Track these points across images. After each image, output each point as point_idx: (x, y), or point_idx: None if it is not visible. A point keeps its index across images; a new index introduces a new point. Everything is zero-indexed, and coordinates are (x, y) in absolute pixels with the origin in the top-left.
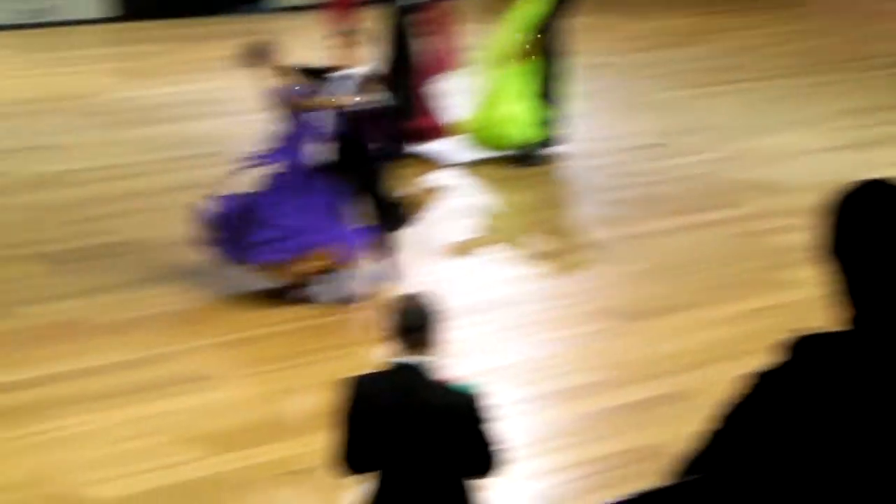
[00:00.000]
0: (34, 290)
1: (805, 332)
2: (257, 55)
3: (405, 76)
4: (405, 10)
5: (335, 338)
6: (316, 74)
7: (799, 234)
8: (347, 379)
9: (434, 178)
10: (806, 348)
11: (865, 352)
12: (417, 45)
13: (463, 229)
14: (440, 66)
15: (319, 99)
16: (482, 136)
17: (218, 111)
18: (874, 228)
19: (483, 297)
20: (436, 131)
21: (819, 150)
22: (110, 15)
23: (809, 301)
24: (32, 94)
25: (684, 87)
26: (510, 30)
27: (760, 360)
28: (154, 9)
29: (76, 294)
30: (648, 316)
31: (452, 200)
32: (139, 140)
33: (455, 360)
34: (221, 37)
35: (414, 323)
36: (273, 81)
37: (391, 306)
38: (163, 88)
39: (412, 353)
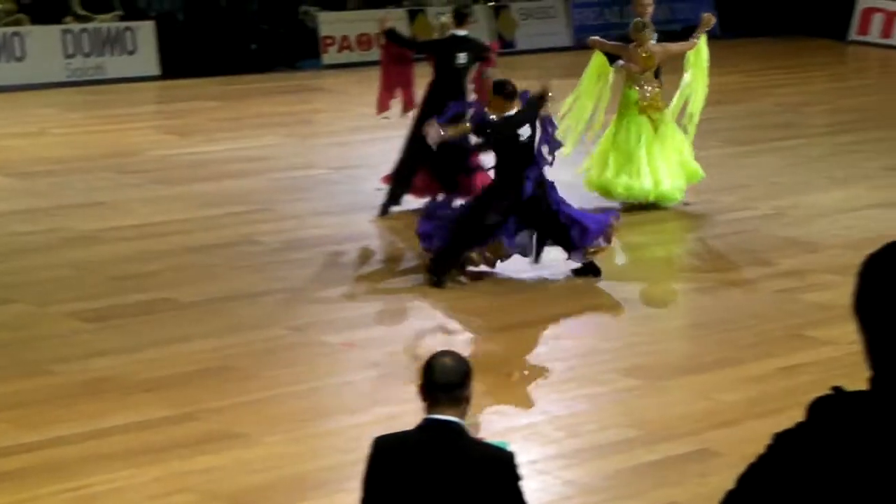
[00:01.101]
0: (73, 346)
1: (824, 393)
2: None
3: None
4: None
5: (367, 399)
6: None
7: (835, 292)
8: (373, 440)
9: None
10: (822, 409)
11: (878, 415)
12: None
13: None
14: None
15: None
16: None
17: (259, 168)
18: (892, 290)
19: (510, 356)
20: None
21: (860, 207)
22: (155, 73)
23: (844, 359)
24: (77, 151)
25: (727, 144)
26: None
27: (793, 418)
28: (195, 67)
29: (114, 351)
30: (681, 374)
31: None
32: (181, 197)
33: (486, 418)
34: (260, 94)
35: (448, 380)
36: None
37: (425, 364)
38: (204, 146)
39: (444, 412)
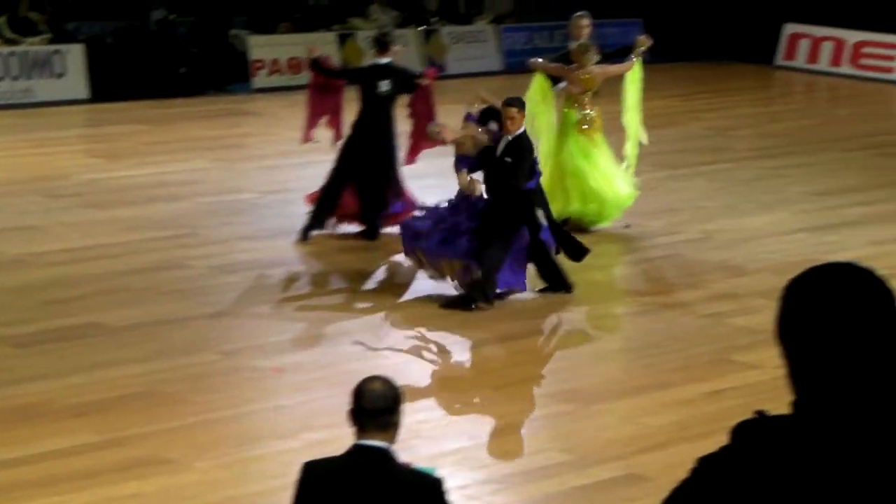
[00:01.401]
0: (1, 371)
1: (748, 417)
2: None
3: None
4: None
5: (297, 424)
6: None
7: (762, 316)
8: (302, 465)
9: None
10: (745, 433)
11: (799, 438)
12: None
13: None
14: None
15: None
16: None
17: (188, 192)
18: (814, 315)
19: (440, 380)
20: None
21: (786, 232)
22: (84, 97)
23: (771, 383)
24: (5, 175)
25: (656, 169)
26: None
27: (720, 442)
28: (125, 91)
29: (43, 376)
30: (610, 398)
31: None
32: (109, 221)
33: (415, 443)
34: (190, 118)
35: (376, 406)
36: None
37: (354, 390)
38: (133, 170)
39: (373, 437)
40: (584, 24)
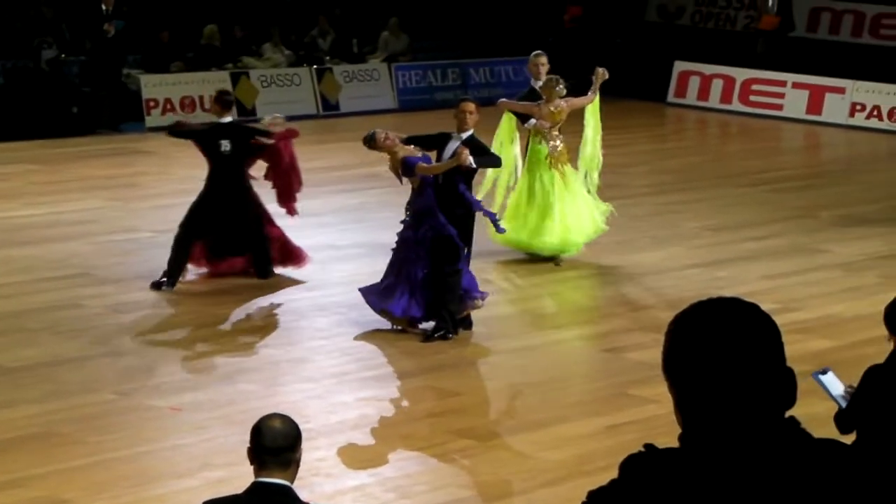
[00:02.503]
0: None
1: (636, 451)
2: (370, 141)
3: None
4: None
5: (195, 462)
6: (427, 142)
7: (656, 351)
8: None
9: None
10: (632, 466)
11: (685, 471)
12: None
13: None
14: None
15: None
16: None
17: (81, 232)
18: (697, 349)
19: (340, 418)
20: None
21: (682, 266)
22: None
23: (669, 417)
24: None
25: None
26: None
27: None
28: (16, 131)
29: None
30: (509, 433)
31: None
32: (1, 261)
33: (315, 480)
34: (83, 158)
35: (276, 443)
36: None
37: (254, 427)
38: (25, 210)
39: (274, 475)
40: (542, 62)
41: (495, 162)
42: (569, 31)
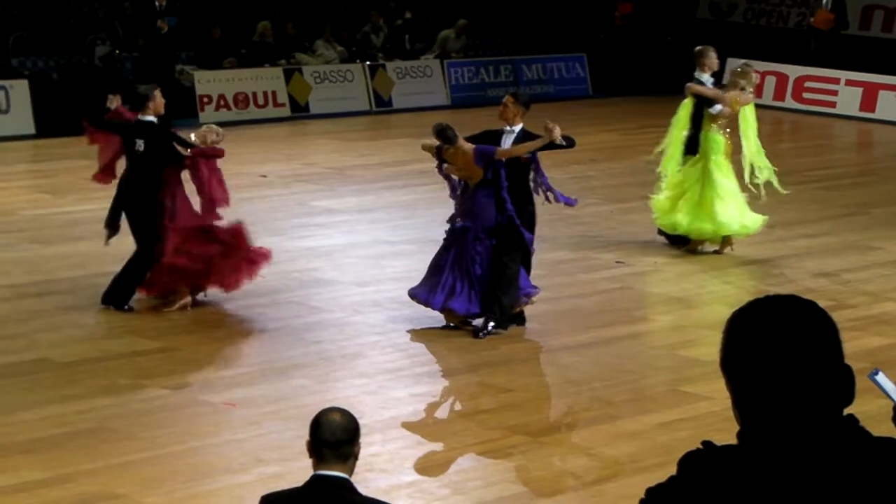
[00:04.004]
0: None
1: (695, 448)
2: (446, 131)
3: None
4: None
5: (250, 458)
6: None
7: (710, 348)
8: (261, 498)
9: None
10: (691, 464)
11: (745, 468)
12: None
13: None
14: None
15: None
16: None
17: None
18: (756, 346)
19: (394, 413)
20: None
21: (734, 264)
22: (30, 132)
23: (720, 414)
24: None
25: (604, 202)
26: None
27: (669, 473)
28: (70, 126)
29: None
30: (560, 430)
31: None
32: (55, 257)
33: (370, 475)
34: None
35: (336, 437)
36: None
37: (313, 421)
38: (79, 205)
39: (333, 468)
40: (713, 56)
41: (573, 143)
42: (619, 29)
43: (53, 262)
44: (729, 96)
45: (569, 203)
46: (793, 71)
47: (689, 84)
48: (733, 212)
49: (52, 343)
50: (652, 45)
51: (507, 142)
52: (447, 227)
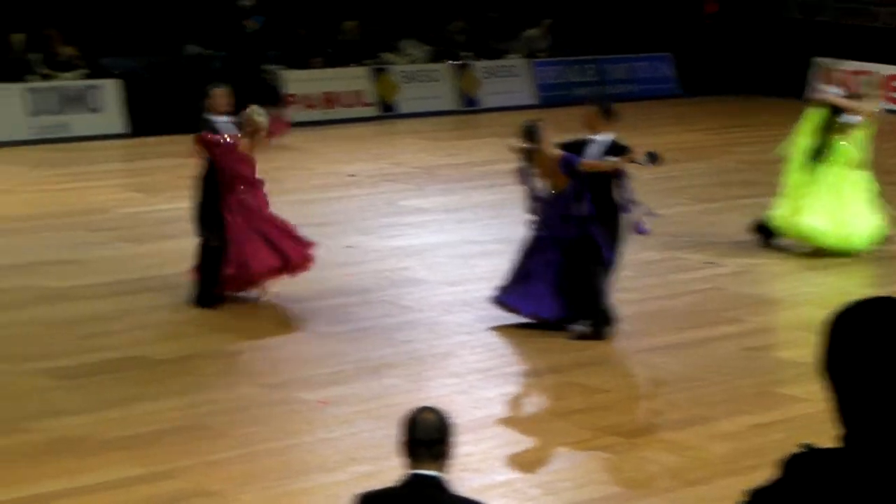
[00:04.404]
0: (44, 404)
1: (798, 450)
2: (534, 132)
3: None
4: None
5: (343, 456)
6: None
7: (804, 349)
8: (360, 496)
9: None
10: (796, 466)
11: (853, 472)
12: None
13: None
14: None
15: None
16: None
17: None
18: (862, 348)
19: (486, 413)
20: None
21: (827, 265)
22: (121, 131)
23: (815, 416)
24: (43, 209)
25: (692, 202)
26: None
27: (764, 475)
28: (162, 125)
29: (83, 409)
30: (652, 431)
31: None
32: (147, 255)
33: (463, 475)
34: None
35: (430, 436)
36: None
37: (407, 420)
38: (170, 203)
39: (427, 467)
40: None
41: (655, 158)
42: (706, 28)
43: (145, 259)
44: (866, 108)
45: (641, 232)
46: (883, 70)
47: (821, 93)
48: (863, 222)
49: (146, 340)
50: (739, 45)
51: (591, 151)
52: (529, 231)
